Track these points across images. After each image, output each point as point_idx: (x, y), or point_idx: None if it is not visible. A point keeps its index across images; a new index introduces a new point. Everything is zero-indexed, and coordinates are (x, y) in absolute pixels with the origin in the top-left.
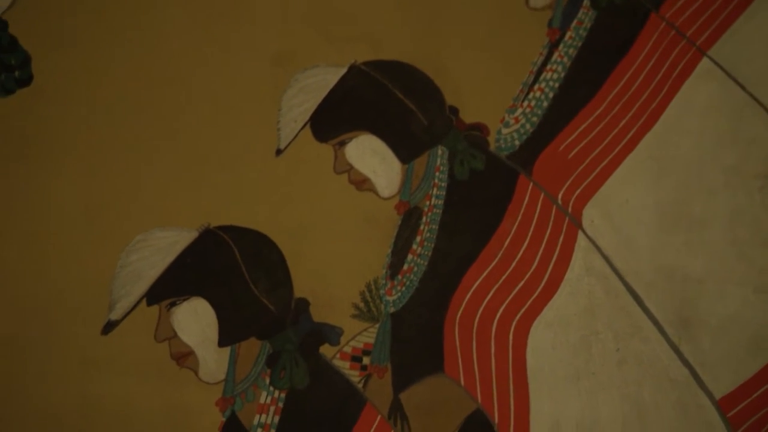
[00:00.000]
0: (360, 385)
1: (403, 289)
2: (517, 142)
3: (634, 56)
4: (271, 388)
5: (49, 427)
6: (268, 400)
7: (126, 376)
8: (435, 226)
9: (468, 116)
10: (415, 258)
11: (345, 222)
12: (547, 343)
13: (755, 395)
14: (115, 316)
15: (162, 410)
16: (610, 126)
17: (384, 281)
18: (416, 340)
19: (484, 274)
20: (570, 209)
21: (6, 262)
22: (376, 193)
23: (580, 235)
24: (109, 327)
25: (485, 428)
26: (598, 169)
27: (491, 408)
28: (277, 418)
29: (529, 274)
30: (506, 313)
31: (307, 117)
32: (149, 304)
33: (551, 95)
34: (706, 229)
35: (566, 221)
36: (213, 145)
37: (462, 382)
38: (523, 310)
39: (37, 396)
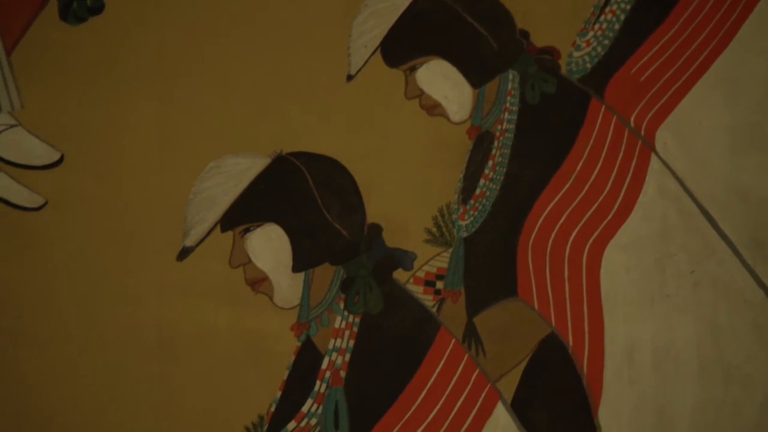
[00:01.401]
0: (434, 310)
1: (476, 213)
2: (588, 65)
3: None
4: (346, 313)
5: (128, 352)
6: (343, 325)
7: (201, 302)
8: (507, 151)
9: (539, 40)
10: (487, 182)
11: (417, 147)
12: (621, 266)
13: None
14: (189, 242)
15: (238, 335)
16: (682, 47)
17: (456, 206)
18: (489, 265)
19: (557, 199)
20: (643, 132)
21: (82, 191)
22: (447, 118)
23: (653, 157)
24: (184, 253)
25: (559, 351)
26: (670, 92)
27: (565, 331)
28: (351, 343)
29: (602, 197)
30: (579, 237)
31: (377, 42)
32: (223, 230)
33: (623, 17)
34: None
35: (639, 144)
36: (284, 72)
37: (536, 306)
38: (596, 233)
39: (114, 323)
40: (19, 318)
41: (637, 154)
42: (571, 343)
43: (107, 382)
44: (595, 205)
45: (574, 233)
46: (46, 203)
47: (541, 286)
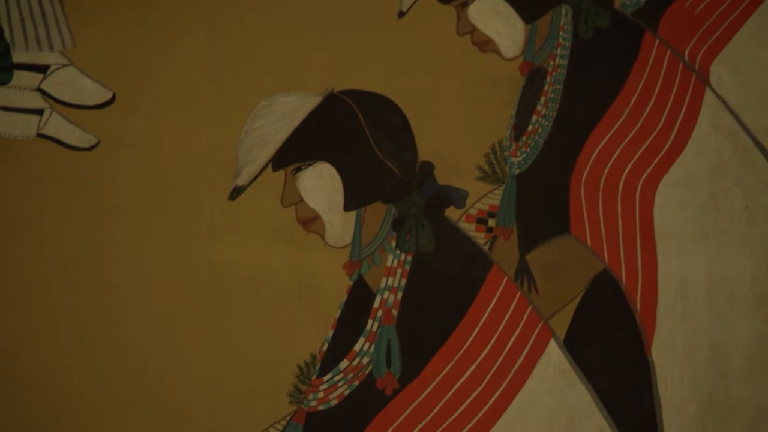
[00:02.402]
0: (486, 247)
1: (528, 150)
2: None
3: None
4: (398, 252)
5: (179, 291)
6: (395, 263)
7: (254, 241)
8: (559, 86)
9: None
10: (540, 119)
11: (468, 84)
12: (675, 201)
13: None
14: (241, 181)
15: (289, 274)
16: None
17: (508, 143)
18: (542, 202)
19: (610, 134)
20: (697, 66)
21: (134, 130)
22: (499, 54)
23: (708, 91)
24: (235, 192)
25: (612, 288)
26: (725, 24)
27: (618, 268)
28: (403, 281)
29: (655, 132)
30: (633, 173)
31: None
32: (275, 169)
33: None
34: None
35: (693, 78)
36: (336, 9)
37: (588, 243)
38: (649, 168)
39: (166, 262)
40: (72, 258)
41: (691, 88)
42: (624, 280)
43: (160, 322)
44: (649, 140)
45: (627, 169)
46: (98, 143)
47: (593, 222)
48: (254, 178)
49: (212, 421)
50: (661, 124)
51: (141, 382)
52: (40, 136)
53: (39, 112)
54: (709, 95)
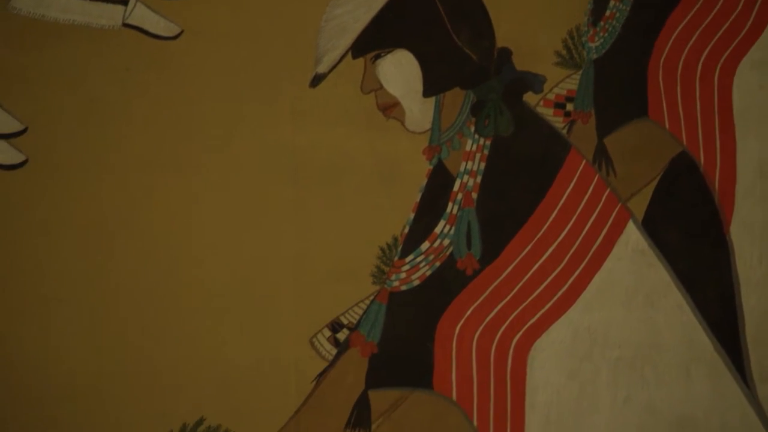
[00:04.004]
0: (564, 131)
1: (606, 35)
2: None
3: None
4: (476, 136)
5: (265, 175)
6: (474, 148)
7: (335, 127)
8: None
9: None
10: (618, 3)
11: None
12: (754, 83)
13: None
14: (322, 69)
15: (370, 159)
16: None
17: (586, 28)
18: (620, 86)
19: (688, 17)
20: None
21: (217, 19)
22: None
23: None
24: (316, 80)
25: (691, 169)
26: None
27: (696, 150)
28: (483, 165)
29: (734, 14)
30: (711, 55)
31: None
32: (354, 57)
33: None
34: None
35: None
36: None
37: (666, 126)
38: (728, 51)
39: (251, 146)
40: (159, 144)
41: None
42: (702, 161)
43: (247, 205)
44: (728, 23)
45: (705, 52)
46: (182, 32)
47: (672, 105)
48: (334, 66)
49: (297, 301)
50: (740, 6)
51: (231, 260)
52: (125, 25)
53: (124, 1)
54: None
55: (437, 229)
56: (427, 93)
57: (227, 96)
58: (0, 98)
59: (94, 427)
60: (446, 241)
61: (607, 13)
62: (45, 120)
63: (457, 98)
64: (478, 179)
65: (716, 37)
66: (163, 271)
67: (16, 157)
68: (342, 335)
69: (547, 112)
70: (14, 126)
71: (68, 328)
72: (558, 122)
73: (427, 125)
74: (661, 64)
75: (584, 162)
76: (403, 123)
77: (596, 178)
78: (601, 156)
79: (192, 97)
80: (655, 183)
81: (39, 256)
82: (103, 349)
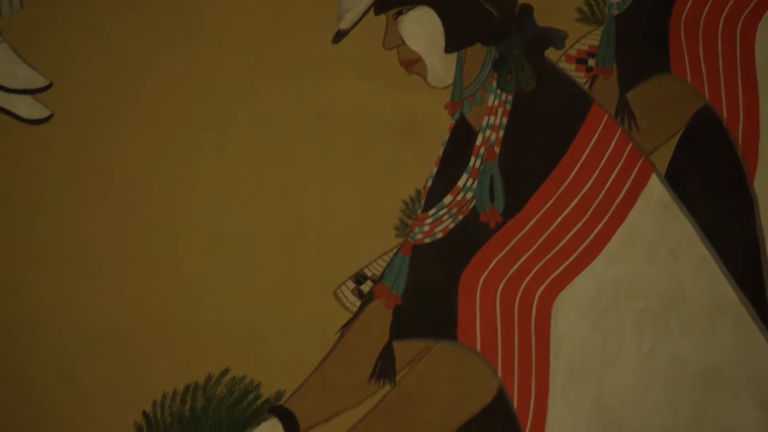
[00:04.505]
0: (586, 87)
1: None
2: None
3: None
4: (498, 92)
5: (290, 129)
6: (496, 103)
7: (358, 83)
8: None
9: None
10: None
11: None
12: None
13: None
14: (344, 25)
15: (393, 114)
16: None
17: None
18: (641, 41)
19: None
20: None
21: None
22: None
23: None
24: (339, 36)
25: (714, 123)
26: None
27: (719, 104)
28: (505, 120)
29: None
30: (734, 10)
31: None
32: (376, 13)
33: None
34: None
35: None
36: None
37: (689, 80)
38: (751, 5)
39: (276, 101)
40: (185, 99)
41: None
42: (725, 115)
43: (270, 159)
44: None
45: (728, 6)
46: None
47: (693, 59)
48: (357, 22)
49: (321, 254)
50: None
51: (255, 213)
52: None
53: None
54: None
55: (460, 183)
56: (449, 49)
57: (251, 52)
58: (26, 54)
59: (125, 376)
60: (469, 195)
61: None
62: (70, 76)
63: (479, 54)
64: (501, 134)
65: None
66: (187, 222)
67: (41, 112)
68: (366, 287)
69: (569, 68)
70: (40, 82)
71: (95, 278)
72: (580, 78)
73: (449, 80)
74: (682, 20)
75: (606, 116)
76: (425, 78)
77: (618, 132)
78: (624, 110)
79: (217, 54)
80: (678, 137)
81: (64, 208)
82: (130, 299)
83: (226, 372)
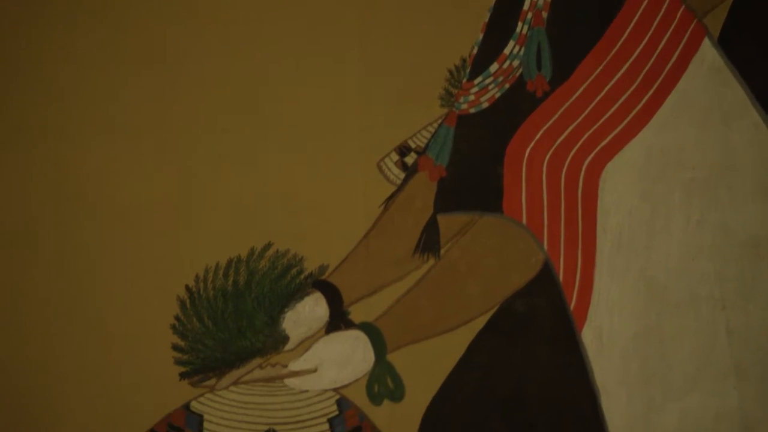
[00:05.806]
0: None
1: None
2: None
3: None
4: None
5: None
6: None
7: None
8: None
9: None
10: None
11: None
12: None
13: None
14: None
15: None
16: None
17: None
18: None
19: None
20: None
21: None
22: None
23: None
24: None
25: None
26: None
27: None
28: None
29: None
30: None
31: None
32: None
33: None
34: None
35: None
36: None
37: None
38: None
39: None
40: (233, 37)
41: None
42: None
43: (311, 28)
44: None
45: None
46: None
47: None
48: None
49: (364, 126)
50: None
51: (296, 86)
52: None
53: None
54: None
55: (506, 50)
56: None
57: None
58: None
59: (167, 250)
60: (516, 62)
61: None
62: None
63: None
64: None
65: None
66: (228, 96)
67: None
68: (410, 159)
69: None
70: None
71: (137, 150)
72: None
73: None
74: None
75: None
76: None
77: None
78: None
79: None
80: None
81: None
82: (171, 172)
83: (268, 246)
